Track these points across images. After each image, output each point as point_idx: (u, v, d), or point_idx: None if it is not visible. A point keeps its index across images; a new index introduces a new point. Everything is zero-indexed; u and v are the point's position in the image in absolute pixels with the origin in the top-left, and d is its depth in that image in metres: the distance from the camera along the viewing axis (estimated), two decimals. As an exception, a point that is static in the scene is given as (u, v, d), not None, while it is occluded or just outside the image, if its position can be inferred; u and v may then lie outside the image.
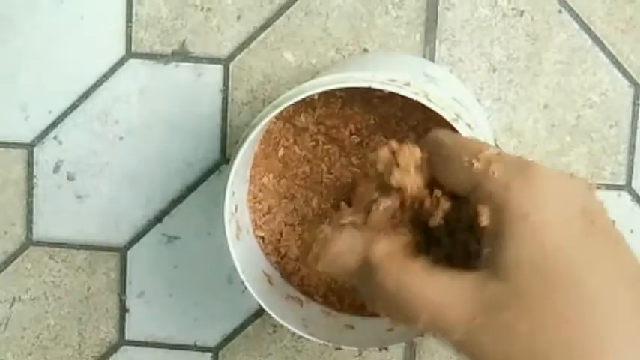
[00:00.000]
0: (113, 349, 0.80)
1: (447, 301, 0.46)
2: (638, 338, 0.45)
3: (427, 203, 0.49)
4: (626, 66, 0.72)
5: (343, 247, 0.49)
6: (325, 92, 0.58)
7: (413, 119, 0.64)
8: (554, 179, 0.47)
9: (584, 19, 0.72)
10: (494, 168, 0.46)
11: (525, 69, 0.73)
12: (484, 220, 0.46)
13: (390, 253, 0.49)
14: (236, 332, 0.78)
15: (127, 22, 0.76)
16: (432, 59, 0.73)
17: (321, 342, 0.62)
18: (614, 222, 0.48)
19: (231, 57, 0.75)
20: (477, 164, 0.47)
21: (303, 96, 0.57)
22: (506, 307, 0.45)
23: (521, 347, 0.45)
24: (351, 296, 0.66)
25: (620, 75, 0.73)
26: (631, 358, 0.45)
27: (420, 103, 0.56)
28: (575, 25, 0.73)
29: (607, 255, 0.46)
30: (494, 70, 0.73)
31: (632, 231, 0.74)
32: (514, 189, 0.45)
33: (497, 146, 0.73)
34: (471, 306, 0.46)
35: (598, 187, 0.74)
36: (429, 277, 0.48)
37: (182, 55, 0.75)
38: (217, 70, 0.75)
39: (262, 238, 0.67)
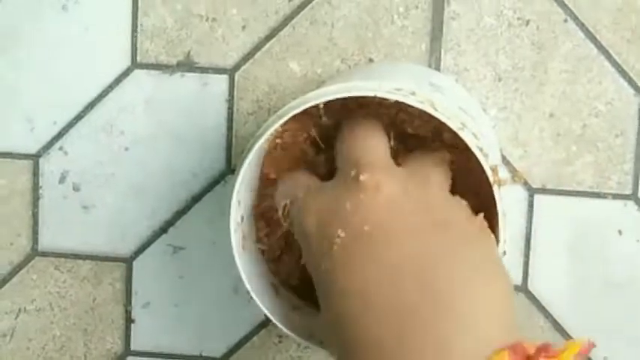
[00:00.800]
0: (119, 359, 0.80)
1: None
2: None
3: None
4: (632, 75, 0.72)
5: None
6: (330, 102, 0.58)
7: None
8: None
9: (590, 29, 0.72)
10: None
11: (531, 78, 0.73)
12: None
13: None
14: (242, 343, 0.78)
15: (132, 32, 0.76)
16: (437, 69, 0.73)
17: (328, 352, 0.62)
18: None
19: (237, 67, 0.75)
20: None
21: (307, 105, 0.57)
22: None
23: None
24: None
25: (626, 84, 0.72)
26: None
27: (426, 113, 0.56)
28: (581, 34, 0.72)
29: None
30: (500, 80, 0.73)
31: (638, 240, 0.73)
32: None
33: (502, 156, 0.73)
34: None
35: (604, 197, 0.73)
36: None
37: (187, 65, 0.75)
38: (223, 80, 0.75)
39: (263, 251, 0.66)
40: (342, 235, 0.52)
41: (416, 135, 0.61)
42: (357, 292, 0.49)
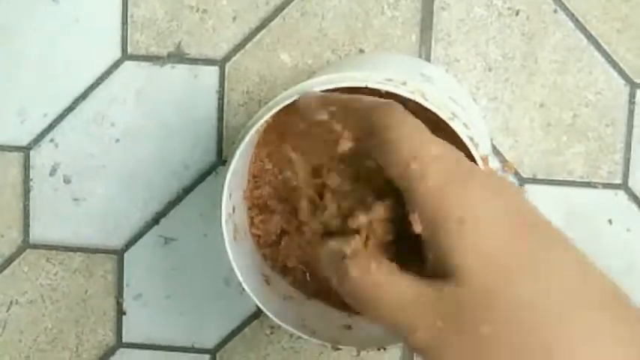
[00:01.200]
0: (111, 351, 0.80)
1: (406, 305, 0.47)
2: (592, 323, 0.45)
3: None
4: (621, 65, 0.73)
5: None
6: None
7: None
8: (486, 182, 0.47)
9: (580, 19, 0.73)
10: (430, 173, 0.46)
11: (521, 68, 0.73)
12: (417, 227, 0.46)
13: (358, 250, 0.49)
14: (234, 334, 0.78)
15: (122, 24, 0.76)
16: (427, 59, 0.73)
17: (319, 342, 0.62)
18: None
19: (227, 58, 0.75)
20: (413, 165, 0.47)
21: (298, 96, 0.57)
22: (463, 311, 0.45)
23: (488, 348, 0.45)
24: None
25: (615, 74, 0.73)
26: (600, 351, 0.45)
27: (416, 104, 0.56)
28: (571, 25, 0.73)
29: (541, 255, 0.47)
30: (490, 70, 0.73)
31: (628, 229, 0.74)
32: (447, 194, 0.46)
33: (493, 146, 0.73)
34: (431, 311, 0.46)
35: (595, 186, 0.74)
36: (391, 279, 0.48)
37: (178, 56, 0.75)
38: (213, 71, 0.75)
39: (259, 236, 0.66)
40: None
41: None
42: None
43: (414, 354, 0.76)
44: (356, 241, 0.49)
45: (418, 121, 0.49)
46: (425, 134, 0.49)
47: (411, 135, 0.48)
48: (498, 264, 0.45)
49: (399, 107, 0.50)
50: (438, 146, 0.48)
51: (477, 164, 0.56)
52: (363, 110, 0.51)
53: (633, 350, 0.46)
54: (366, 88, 0.56)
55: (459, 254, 0.45)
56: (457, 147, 0.56)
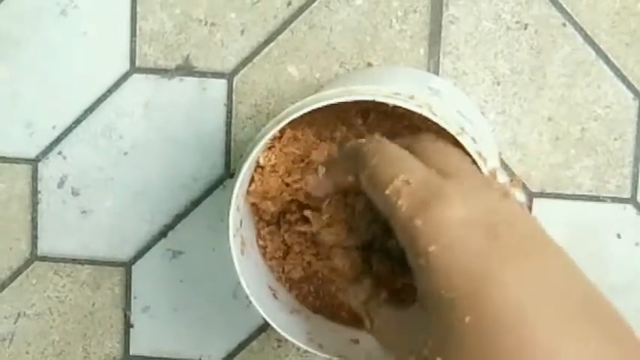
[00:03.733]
0: (118, 364, 0.80)
1: (400, 342, 0.49)
2: (579, 341, 0.44)
3: None
4: (630, 79, 0.72)
5: None
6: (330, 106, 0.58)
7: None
8: (458, 203, 0.47)
9: (589, 32, 0.72)
10: (402, 200, 0.47)
11: (529, 82, 0.73)
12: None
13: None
14: (241, 347, 0.78)
15: (130, 37, 0.76)
16: (436, 72, 0.73)
17: (327, 357, 0.62)
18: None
19: (235, 71, 0.75)
20: (387, 192, 0.48)
21: (306, 110, 0.57)
22: (428, 341, 0.46)
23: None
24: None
25: (624, 88, 0.72)
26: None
27: (424, 118, 0.56)
28: (580, 39, 0.72)
29: (515, 266, 0.46)
30: (499, 84, 0.73)
31: (637, 244, 0.73)
32: (418, 223, 0.46)
33: (501, 160, 0.73)
34: (407, 340, 0.47)
35: (603, 200, 0.74)
36: (389, 318, 0.52)
37: (186, 69, 0.76)
38: (221, 84, 0.75)
39: (265, 248, 0.66)
40: None
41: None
42: None
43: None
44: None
45: (396, 147, 0.51)
46: (404, 160, 0.50)
47: (389, 161, 0.50)
48: (473, 277, 0.45)
49: (380, 138, 0.53)
50: (410, 170, 0.49)
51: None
52: (351, 149, 0.54)
53: None
54: (374, 101, 0.56)
55: (428, 288, 0.46)
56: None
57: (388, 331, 0.51)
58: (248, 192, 0.63)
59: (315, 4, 0.74)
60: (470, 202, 0.47)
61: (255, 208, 0.65)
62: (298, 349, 0.77)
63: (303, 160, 0.64)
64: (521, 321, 0.43)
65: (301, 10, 0.74)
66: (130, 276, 0.79)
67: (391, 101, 0.56)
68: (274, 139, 0.62)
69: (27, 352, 0.80)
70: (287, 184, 0.64)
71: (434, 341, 0.45)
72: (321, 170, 0.57)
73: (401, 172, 0.49)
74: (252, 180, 0.64)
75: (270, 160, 0.63)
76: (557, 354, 0.43)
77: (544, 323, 0.43)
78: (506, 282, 0.44)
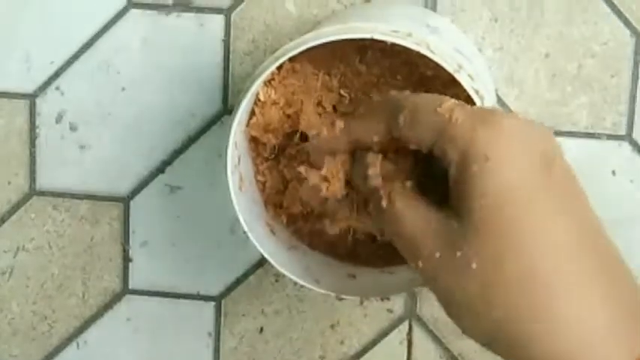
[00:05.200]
0: (117, 298, 0.81)
1: (417, 233, 0.50)
2: (583, 279, 0.47)
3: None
4: (627, 15, 0.72)
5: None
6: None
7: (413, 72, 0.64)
8: (515, 124, 0.49)
9: (587, -31, 0.72)
10: (457, 114, 0.49)
11: (527, 19, 0.73)
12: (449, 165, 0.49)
13: (386, 175, 0.54)
14: (239, 281, 0.79)
15: (128, -28, 0.76)
16: (433, 9, 0.73)
17: (323, 291, 0.63)
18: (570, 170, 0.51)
19: (233, 7, 0.75)
20: (440, 110, 0.49)
21: (304, 47, 0.57)
22: (462, 244, 0.48)
23: (473, 284, 0.47)
24: (353, 246, 0.66)
25: (621, 25, 0.72)
26: (576, 297, 0.47)
27: (422, 55, 0.56)
28: (577, -25, 0.72)
29: (561, 200, 0.49)
30: (496, 20, 0.73)
31: (632, 180, 0.74)
32: (476, 133, 0.48)
33: (498, 96, 0.73)
34: (434, 241, 0.49)
35: (599, 137, 0.74)
36: (411, 205, 0.51)
37: (183, 5, 0.75)
38: (219, 20, 0.75)
39: (264, 184, 0.67)
40: None
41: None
42: None
43: (419, 302, 0.77)
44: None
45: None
46: (438, 95, 0.52)
47: (431, 95, 0.52)
48: (514, 199, 0.47)
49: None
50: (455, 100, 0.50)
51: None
52: (381, 101, 0.56)
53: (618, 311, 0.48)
54: (372, 39, 0.56)
55: (478, 194, 0.47)
56: (463, 99, 0.56)
57: (410, 220, 0.51)
58: (248, 125, 0.64)
59: (313, -61, 0.74)
60: (529, 124, 0.49)
61: (254, 143, 0.65)
62: (295, 284, 0.77)
63: (303, 92, 0.64)
64: (545, 257, 0.47)
65: (299, -55, 0.74)
66: (128, 211, 0.79)
67: (389, 39, 0.56)
68: (272, 73, 0.62)
69: (27, 286, 0.81)
70: (288, 116, 0.64)
71: (470, 247, 0.47)
72: (339, 125, 0.57)
73: (447, 98, 0.51)
74: (252, 114, 0.64)
75: (270, 95, 0.63)
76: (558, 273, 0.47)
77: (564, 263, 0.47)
78: (547, 227, 0.48)
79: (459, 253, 0.48)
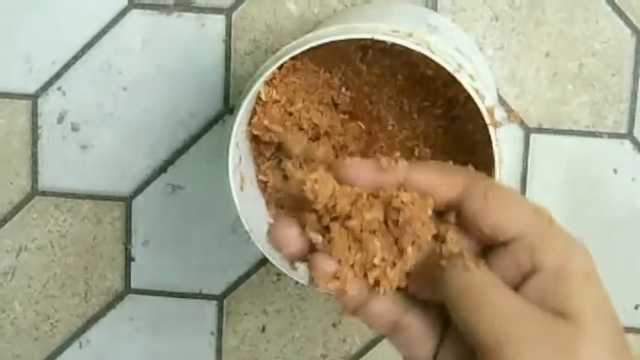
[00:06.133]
0: (119, 297, 0.81)
1: (507, 317, 0.47)
2: None
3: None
4: (628, 14, 0.72)
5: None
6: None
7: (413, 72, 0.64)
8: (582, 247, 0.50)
9: (587, -33, 0.72)
10: (557, 227, 0.48)
11: (528, 17, 0.73)
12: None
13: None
14: (241, 280, 0.79)
15: (129, -28, 0.76)
16: (434, 8, 0.73)
17: (324, 291, 0.63)
18: None
19: (234, 7, 0.75)
20: (540, 215, 0.48)
21: (305, 47, 0.57)
22: (578, 346, 0.47)
23: None
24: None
25: (622, 23, 0.72)
26: None
27: (422, 55, 0.56)
28: (578, -26, 0.72)
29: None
30: (497, 19, 0.73)
31: (633, 179, 0.74)
32: (575, 251, 0.48)
33: (499, 95, 0.73)
34: (541, 340, 0.47)
35: (600, 136, 0.74)
36: (494, 286, 0.48)
37: (184, 5, 0.75)
38: (220, 20, 0.75)
39: (265, 183, 0.67)
40: None
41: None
42: None
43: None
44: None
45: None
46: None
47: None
48: (607, 311, 0.48)
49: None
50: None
51: (482, 114, 0.56)
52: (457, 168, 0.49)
53: None
54: (373, 39, 0.56)
55: (582, 298, 0.48)
56: (463, 98, 0.56)
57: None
58: (250, 124, 0.64)
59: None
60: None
61: (255, 143, 0.66)
62: (297, 283, 0.77)
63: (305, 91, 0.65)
64: None
65: (300, -55, 0.74)
66: (130, 210, 0.79)
67: (389, 39, 0.56)
68: (273, 72, 0.62)
69: (29, 286, 0.81)
70: (289, 113, 0.64)
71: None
72: (402, 163, 0.46)
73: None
74: (253, 113, 0.64)
75: (271, 95, 0.64)
76: None
77: None
78: None
79: (578, 355, 0.47)
